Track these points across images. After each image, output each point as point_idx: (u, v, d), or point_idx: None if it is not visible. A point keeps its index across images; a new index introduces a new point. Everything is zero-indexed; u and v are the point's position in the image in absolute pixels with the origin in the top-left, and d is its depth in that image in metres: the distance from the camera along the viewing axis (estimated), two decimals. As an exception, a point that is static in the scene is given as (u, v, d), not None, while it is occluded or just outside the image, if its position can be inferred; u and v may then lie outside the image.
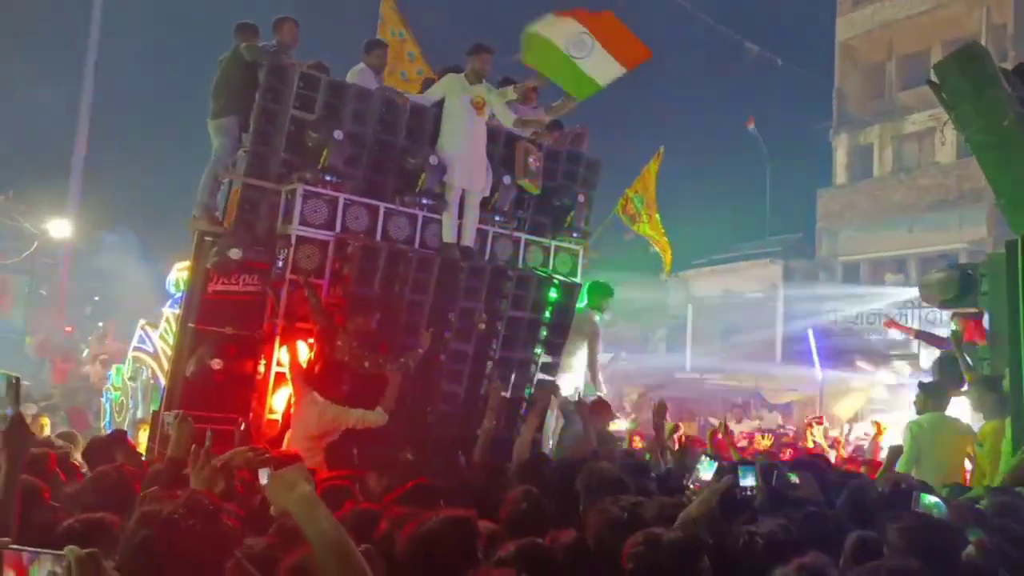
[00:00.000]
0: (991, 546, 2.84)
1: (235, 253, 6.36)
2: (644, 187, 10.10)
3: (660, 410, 6.21)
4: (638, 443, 10.35)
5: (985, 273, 7.22)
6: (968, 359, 7.38)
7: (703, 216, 22.66)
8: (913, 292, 15.85)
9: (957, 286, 7.99)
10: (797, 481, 4.04)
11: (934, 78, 6.66)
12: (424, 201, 7.02)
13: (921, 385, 7.12)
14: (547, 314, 7.70)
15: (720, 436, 7.10)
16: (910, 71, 22.26)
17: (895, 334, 18.49)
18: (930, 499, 3.65)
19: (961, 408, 7.25)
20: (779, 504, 3.62)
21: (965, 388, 7.28)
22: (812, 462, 5.01)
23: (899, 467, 6.11)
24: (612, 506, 2.77)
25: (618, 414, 16.93)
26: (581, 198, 7.94)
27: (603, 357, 24.90)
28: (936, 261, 16.47)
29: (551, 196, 7.85)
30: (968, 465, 6.67)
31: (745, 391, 20.38)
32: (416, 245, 6.98)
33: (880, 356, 18.70)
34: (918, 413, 6.84)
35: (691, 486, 3.82)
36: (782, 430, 15.88)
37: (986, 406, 6.60)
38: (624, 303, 26.80)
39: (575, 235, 8.09)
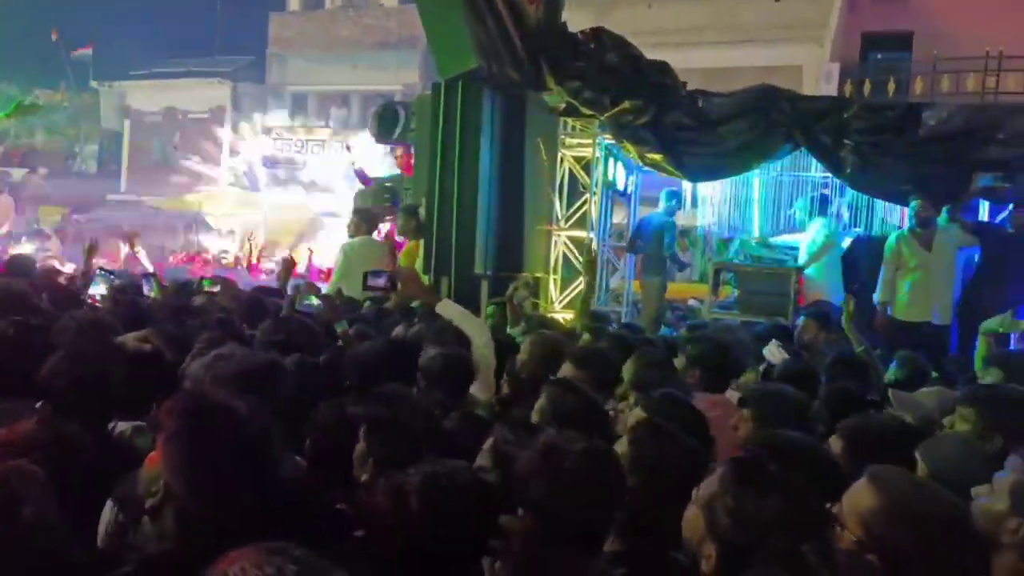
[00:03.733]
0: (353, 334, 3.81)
1: None
2: None
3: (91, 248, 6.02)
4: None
5: (415, 112, 7.97)
6: (396, 190, 8.24)
7: (144, 24, 20.25)
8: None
9: (391, 123, 8.76)
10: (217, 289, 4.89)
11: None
12: None
13: (355, 211, 7.74)
14: None
15: (133, 252, 7.04)
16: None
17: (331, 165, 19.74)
18: (314, 301, 4.83)
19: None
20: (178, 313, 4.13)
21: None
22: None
23: (332, 281, 6.78)
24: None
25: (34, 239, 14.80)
26: None
27: (15, 172, 21.12)
28: (375, 99, 17.73)
29: None
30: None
31: (188, 215, 19.65)
32: None
33: (321, 184, 19.70)
34: (351, 236, 7.45)
35: (88, 300, 4.61)
36: (223, 254, 15.86)
37: (407, 230, 7.46)
38: (42, 112, 22.92)
39: None
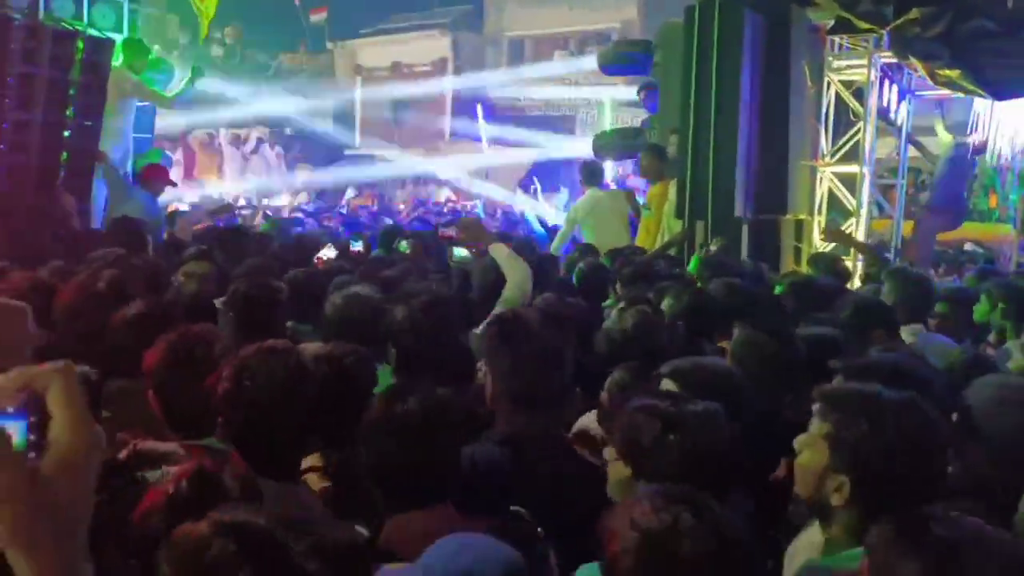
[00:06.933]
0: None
1: None
2: None
3: None
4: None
5: (659, 44, 7.37)
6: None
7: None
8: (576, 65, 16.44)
9: (627, 57, 8.27)
10: None
11: None
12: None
13: (583, 165, 7.43)
14: (75, 73, 6.76)
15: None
16: None
17: (554, 109, 19.47)
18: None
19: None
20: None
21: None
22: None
23: (564, 228, 6.97)
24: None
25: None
26: None
27: (253, 131, 22.95)
28: (593, 39, 17.18)
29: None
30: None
31: (415, 168, 20.37)
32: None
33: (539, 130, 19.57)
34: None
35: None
36: (452, 204, 16.26)
37: (651, 171, 6.97)
38: (285, 73, 24.64)
39: None
